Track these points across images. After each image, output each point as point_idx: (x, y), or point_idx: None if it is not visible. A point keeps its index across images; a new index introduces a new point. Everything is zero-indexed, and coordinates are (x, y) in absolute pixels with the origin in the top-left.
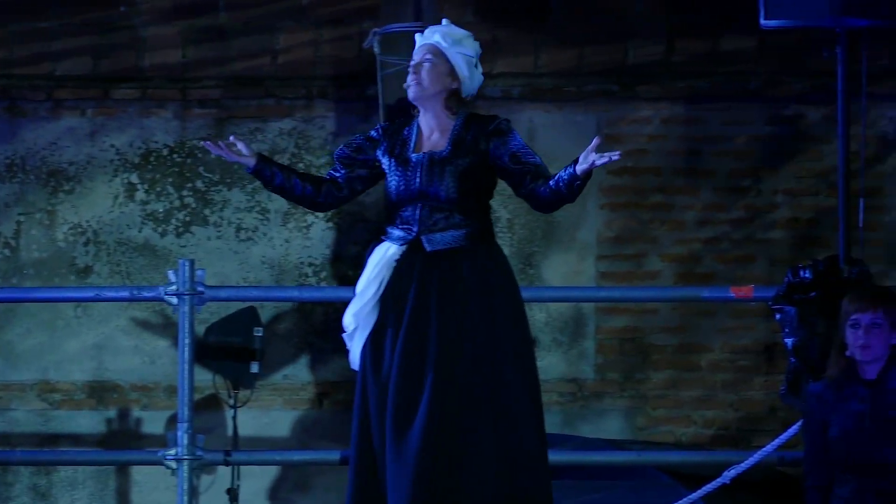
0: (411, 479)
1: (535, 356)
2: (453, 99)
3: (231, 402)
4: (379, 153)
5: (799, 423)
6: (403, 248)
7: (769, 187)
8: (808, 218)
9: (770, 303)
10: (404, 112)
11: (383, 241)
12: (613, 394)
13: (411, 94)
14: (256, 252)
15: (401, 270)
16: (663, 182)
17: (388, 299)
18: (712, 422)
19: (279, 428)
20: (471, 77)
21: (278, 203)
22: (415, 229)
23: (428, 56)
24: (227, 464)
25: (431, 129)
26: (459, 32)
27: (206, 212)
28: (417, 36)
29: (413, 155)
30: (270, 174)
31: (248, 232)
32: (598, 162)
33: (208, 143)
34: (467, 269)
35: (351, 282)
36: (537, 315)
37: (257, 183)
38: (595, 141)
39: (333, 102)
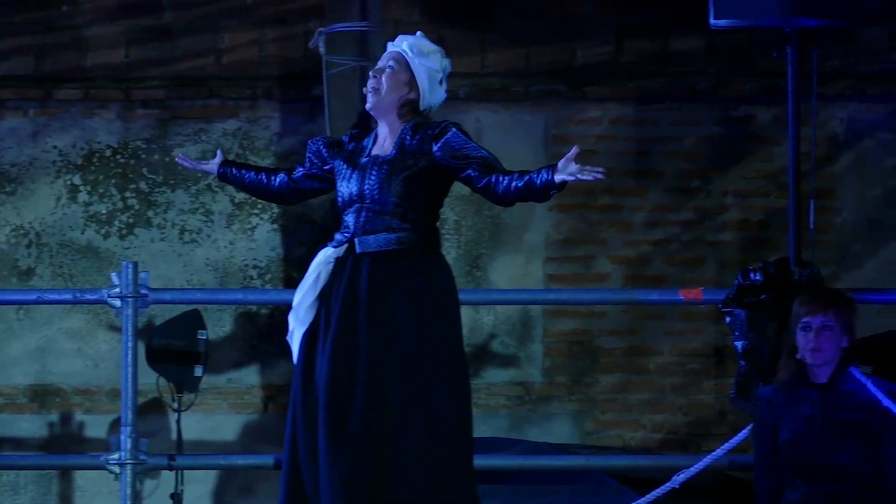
0: (343, 480)
1: (466, 363)
2: (407, 108)
3: (175, 405)
4: (338, 160)
5: (749, 427)
6: (339, 249)
7: (719, 188)
8: (759, 220)
9: (720, 305)
10: (365, 121)
11: (328, 245)
12: (561, 397)
13: (369, 102)
14: (200, 254)
15: (336, 272)
16: (612, 183)
17: (323, 299)
18: (661, 426)
19: (224, 432)
20: (431, 91)
21: (222, 205)
22: (351, 231)
23: (391, 62)
24: (171, 468)
25: (385, 137)
26: (429, 46)
27: (150, 213)
28: (389, 44)
29: (362, 159)
30: (232, 177)
31: (192, 234)
32: (581, 177)
33: (182, 158)
34: (399, 272)
35: (297, 284)
36: (485, 318)
37: (201, 184)
38: (574, 150)
39: (278, 103)
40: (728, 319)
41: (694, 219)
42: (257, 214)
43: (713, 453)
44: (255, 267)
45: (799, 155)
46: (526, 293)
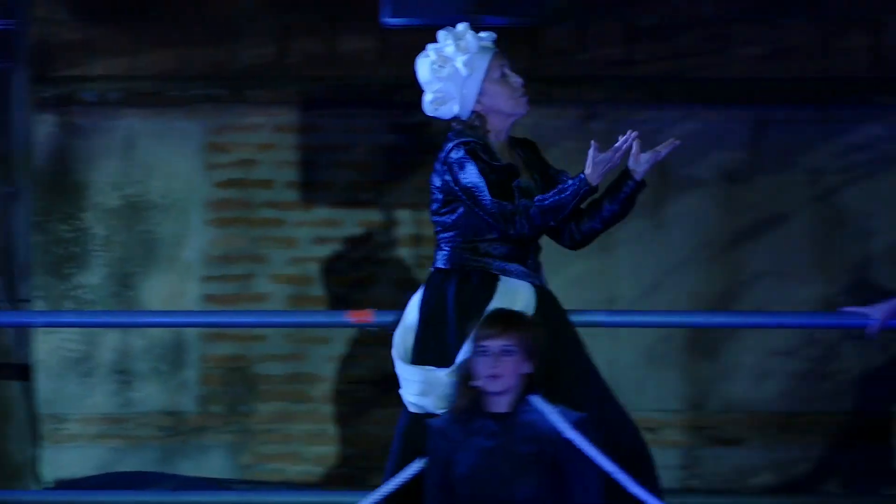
0: None
1: None
2: None
3: None
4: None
5: (421, 461)
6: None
7: (392, 202)
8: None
9: (390, 329)
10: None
11: (515, 280)
12: (217, 428)
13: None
14: None
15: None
16: (274, 196)
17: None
18: (325, 458)
19: None
20: None
21: None
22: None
23: None
24: None
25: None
26: None
27: None
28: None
29: (524, 182)
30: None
31: None
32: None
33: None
34: None
35: None
36: (136, 342)
37: None
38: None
39: None
40: None
41: (364, 234)
42: None
43: (381, 489)
44: None
45: None
46: (179, 315)
